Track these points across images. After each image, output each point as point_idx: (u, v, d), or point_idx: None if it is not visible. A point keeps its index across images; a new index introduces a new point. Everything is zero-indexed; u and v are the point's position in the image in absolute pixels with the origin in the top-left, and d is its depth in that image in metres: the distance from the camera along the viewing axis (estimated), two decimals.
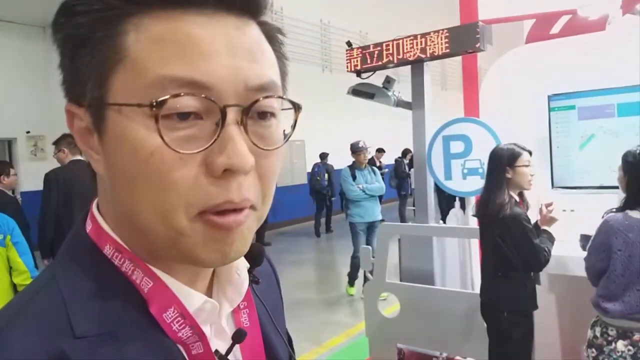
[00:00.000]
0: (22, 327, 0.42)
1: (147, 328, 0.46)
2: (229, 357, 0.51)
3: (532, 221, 2.58)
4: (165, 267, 0.48)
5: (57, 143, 4.32)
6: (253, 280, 0.57)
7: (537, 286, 2.68)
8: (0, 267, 3.03)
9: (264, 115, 0.47)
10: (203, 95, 0.42)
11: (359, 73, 3.87)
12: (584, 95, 2.94)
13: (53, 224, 4.08)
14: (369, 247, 3.78)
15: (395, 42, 3.56)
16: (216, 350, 0.50)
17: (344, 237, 9.94)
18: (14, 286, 3.09)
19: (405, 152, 11.07)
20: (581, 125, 2.95)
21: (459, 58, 3.76)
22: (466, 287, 3.57)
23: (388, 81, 3.86)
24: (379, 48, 3.65)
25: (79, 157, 4.31)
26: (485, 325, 2.74)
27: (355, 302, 5.44)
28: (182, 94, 0.42)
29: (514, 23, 4.05)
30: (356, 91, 3.90)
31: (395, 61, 3.55)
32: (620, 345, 2.18)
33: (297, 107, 0.50)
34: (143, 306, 0.47)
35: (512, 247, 2.49)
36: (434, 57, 3.44)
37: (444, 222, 3.89)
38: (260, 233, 8.29)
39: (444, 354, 3.54)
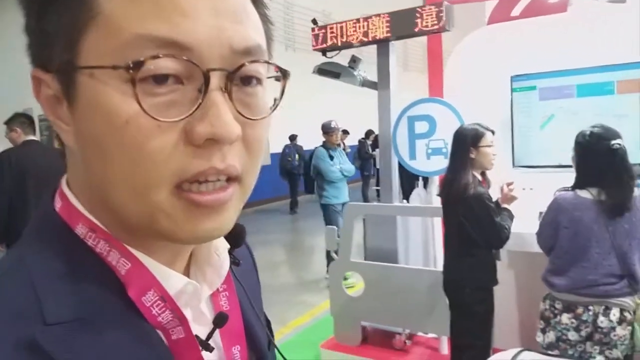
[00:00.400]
0: None
1: (124, 313, 0.43)
2: (209, 342, 0.48)
3: (494, 199, 2.65)
4: (143, 247, 0.45)
5: (9, 122, 4.12)
6: (233, 262, 0.54)
7: (497, 262, 2.76)
8: None
9: (249, 81, 0.43)
10: (184, 58, 0.39)
11: (324, 52, 3.84)
12: (545, 76, 3.00)
13: (6, 208, 3.90)
14: (334, 227, 3.78)
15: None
16: (196, 336, 0.47)
17: (308, 217, 9.96)
18: None
19: (369, 133, 11.14)
20: (542, 106, 3.02)
21: (422, 39, 3.78)
22: (429, 264, 3.64)
23: (354, 61, 3.84)
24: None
25: (32, 137, 4.13)
26: (448, 301, 2.81)
27: (320, 282, 5.47)
28: (161, 55, 0.38)
29: (475, 4, 4.08)
30: (322, 70, 3.87)
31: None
32: (565, 317, 2.27)
33: (285, 74, 0.46)
34: (120, 290, 0.43)
35: (475, 225, 2.54)
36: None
37: (407, 202, 3.93)
38: None
39: (407, 331, 3.62)
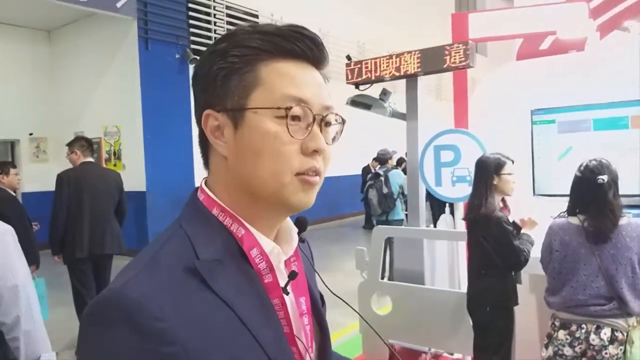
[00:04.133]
0: (167, 252, 0.68)
1: (240, 259, 0.71)
2: (287, 289, 0.76)
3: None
4: (252, 223, 0.74)
5: (70, 145, 4.50)
6: (300, 240, 0.83)
7: (518, 285, 2.92)
8: None
9: (328, 124, 0.76)
10: (306, 107, 0.72)
11: (357, 85, 4.13)
12: (563, 110, 3.19)
13: (64, 222, 4.25)
14: (363, 248, 3.99)
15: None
16: None
17: (334, 242, 10.15)
18: None
19: (400, 161, 11.28)
20: (560, 138, 3.21)
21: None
22: (454, 286, 3.81)
23: (384, 93, 4.12)
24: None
25: (90, 159, 4.52)
26: (471, 320, 2.98)
27: (350, 303, 5.63)
28: (300, 105, 0.71)
29: (508, 41, 4.34)
30: (354, 102, 4.16)
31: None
32: (561, 334, 2.42)
33: (343, 121, 0.80)
34: (238, 246, 0.72)
35: (494, 247, 2.74)
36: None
37: (435, 227, 4.13)
38: None
39: (432, 350, 3.77)
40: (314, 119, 0.72)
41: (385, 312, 3.93)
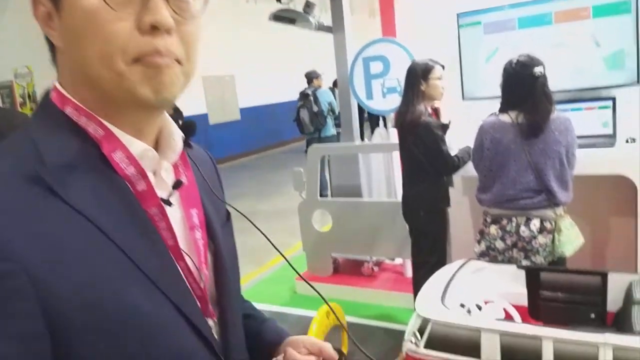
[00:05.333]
0: (1, 160, 0.57)
1: (101, 164, 0.61)
2: (170, 199, 0.67)
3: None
4: (114, 121, 0.62)
5: None
6: (187, 145, 0.72)
7: (451, 188, 3.00)
8: None
9: None
10: None
11: None
12: (489, 11, 3.15)
13: None
14: (300, 169, 3.95)
15: None
16: (160, 199, 0.65)
17: (279, 167, 10.13)
18: None
19: (337, 82, 11.17)
20: (487, 40, 3.19)
21: None
22: (391, 196, 3.88)
23: (308, 5, 3.94)
24: None
25: None
26: (407, 226, 3.06)
27: (292, 224, 5.70)
28: None
29: None
30: (277, 17, 3.96)
31: None
32: (492, 229, 2.52)
33: None
34: (97, 148, 0.61)
35: (424, 152, 2.76)
36: None
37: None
38: None
39: (374, 259, 3.90)
40: None
41: (327, 229, 3.99)
